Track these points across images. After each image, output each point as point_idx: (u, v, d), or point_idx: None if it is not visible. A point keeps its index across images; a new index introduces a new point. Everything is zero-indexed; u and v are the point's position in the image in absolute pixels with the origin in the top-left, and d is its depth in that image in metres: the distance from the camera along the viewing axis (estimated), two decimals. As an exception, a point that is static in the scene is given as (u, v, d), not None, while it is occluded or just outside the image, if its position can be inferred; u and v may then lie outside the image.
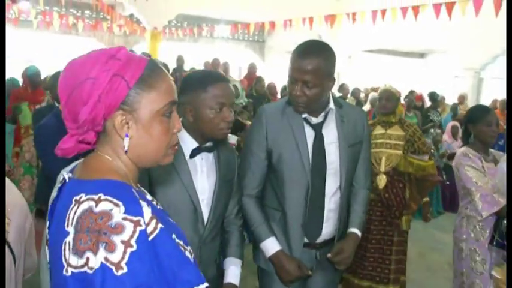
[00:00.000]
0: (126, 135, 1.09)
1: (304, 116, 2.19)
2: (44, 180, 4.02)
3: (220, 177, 2.01)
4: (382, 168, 3.79)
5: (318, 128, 2.21)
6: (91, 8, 12.95)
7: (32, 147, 5.56)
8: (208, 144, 1.98)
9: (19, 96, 5.83)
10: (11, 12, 11.18)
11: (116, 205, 0.98)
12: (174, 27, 14.34)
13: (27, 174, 5.42)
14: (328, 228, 2.27)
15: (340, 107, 2.28)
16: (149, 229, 0.99)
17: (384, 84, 4.09)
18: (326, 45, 2.16)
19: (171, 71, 9.66)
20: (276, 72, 13.33)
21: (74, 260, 0.96)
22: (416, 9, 7.58)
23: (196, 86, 1.87)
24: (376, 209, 3.82)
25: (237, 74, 14.22)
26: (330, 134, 2.23)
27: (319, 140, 2.21)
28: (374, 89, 11.23)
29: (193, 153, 1.94)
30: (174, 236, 1.07)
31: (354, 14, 8.35)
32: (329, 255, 2.22)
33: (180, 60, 9.73)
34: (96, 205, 0.98)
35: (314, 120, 2.20)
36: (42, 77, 6.41)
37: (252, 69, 9.94)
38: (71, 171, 1.17)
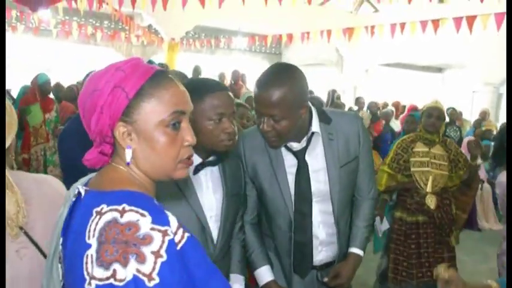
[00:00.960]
0: (128, 147, 1.09)
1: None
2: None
3: (227, 192, 1.90)
4: (430, 189, 3.64)
5: (300, 155, 2.05)
6: (110, 18, 13.06)
7: (40, 156, 5.59)
8: (212, 158, 1.87)
9: (28, 103, 5.84)
10: (31, 21, 11.31)
11: (142, 215, 0.97)
12: (192, 38, 14.40)
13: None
14: (326, 253, 2.17)
15: (329, 122, 2.08)
16: (176, 238, 0.99)
17: (435, 101, 3.88)
18: (290, 72, 1.91)
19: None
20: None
21: (98, 272, 0.94)
22: (436, 23, 7.48)
23: (192, 96, 1.58)
24: (430, 231, 3.68)
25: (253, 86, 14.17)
26: (316, 160, 2.06)
27: (302, 168, 2.05)
28: (387, 105, 11.18)
29: (197, 169, 1.83)
30: None
31: (372, 28, 8.30)
32: (326, 279, 2.15)
33: (196, 71, 9.72)
34: (122, 216, 0.97)
35: (295, 146, 2.04)
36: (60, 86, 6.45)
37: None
38: (86, 184, 1.15)
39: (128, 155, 1.09)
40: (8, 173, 1.42)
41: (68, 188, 1.26)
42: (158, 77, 1.11)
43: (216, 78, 8.91)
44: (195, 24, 13.03)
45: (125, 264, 0.92)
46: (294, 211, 2.08)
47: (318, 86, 11.85)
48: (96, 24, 13.00)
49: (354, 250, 2.20)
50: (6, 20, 10.99)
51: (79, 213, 1.06)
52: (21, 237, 1.39)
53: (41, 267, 1.33)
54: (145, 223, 0.96)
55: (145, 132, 1.09)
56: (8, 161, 1.48)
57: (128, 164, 1.10)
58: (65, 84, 7.40)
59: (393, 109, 10.15)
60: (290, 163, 2.06)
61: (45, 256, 1.40)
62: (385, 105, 11.40)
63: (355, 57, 15.41)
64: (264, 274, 2.15)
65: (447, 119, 9.42)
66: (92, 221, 0.99)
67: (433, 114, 3.71)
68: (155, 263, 0.93)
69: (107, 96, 1.07)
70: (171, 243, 0.96)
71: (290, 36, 10.10)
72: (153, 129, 1.09)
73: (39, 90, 5.90)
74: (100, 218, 0.98)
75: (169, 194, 1.73)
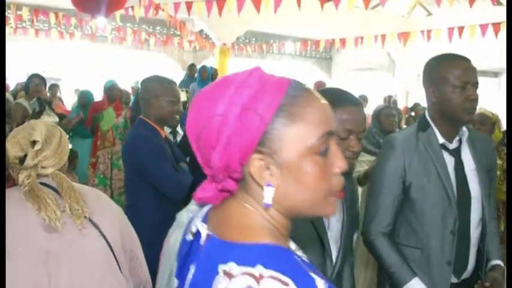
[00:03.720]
0: (268, 185, 0.85)
1: (441, 141, 2.01)
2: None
3: (347, 213, 1.82)
4: None
5: (456, 154, 2.03)
6: (162, 24, 13.32)
7: (107, 159, 5.74)
8: None
9: (98, 109, 6.04)
10: (88, 28, 11.67)
11: (285, 284, 0.75)
12: (242, 43, 14.49)
13: (101, 185, 5.58)
14: (470, 265, 2.06)
15: (468, 130, 2.10)
16: None
17: (479, 108, 3.75)
18: None
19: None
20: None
21: None
22: (497, 27, 7.21)
23: None
24: None
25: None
26: (468, 161, 2.05)
27: (459, 167, 2.02)
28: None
29: None
30: None
31: (429, 32, 8.11)
32: (487, 284, 1.98)
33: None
34: (258, 283, 0.76)
35: (451, 145, 2.03)
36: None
37: (320, 86, 9.84)
38: (204, 220, 0.96)
39: (269, 194, 0.85)
40: (72, 184, 1.69)
41: None
42: (296, 90, 0.88)
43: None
44: (245, 29, 13.11)
45: None
46: (457, 208, 1.98)
47: (370, 91, 11.70)
48: (149, 30, 13.27)
49: (499, 262, 2.10)
50: (65, 28, 11.40)
51: (200, 264, 0.89)
52: (84, 223, 1.61)
53: (99, 245, 1.62)
54: None
55: (289, 165, 0.85)
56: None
57: (268, 206, 0.86)
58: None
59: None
60: (447, 161, 2.03)
61: (105, 238, 1.63)
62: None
63: (407, 62, 15.12)
64: (419, 285, 1.97)
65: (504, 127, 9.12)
66: (219, 284, 0.80)
67: (477, 121, 3.61)
68: None
69: (235, 123, 0.83)
70: None
71: (343, 41, 10.00)
72: (300, 160, 0.85)
73: (106, 96, 6.12)
74: (229, 282, 0.79)
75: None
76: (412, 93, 15.13)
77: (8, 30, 10.94)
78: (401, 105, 12.95)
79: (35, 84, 5.12)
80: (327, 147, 0.87)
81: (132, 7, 7.08)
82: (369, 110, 9.47)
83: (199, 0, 6.80)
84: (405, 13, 15.22)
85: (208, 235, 0.90)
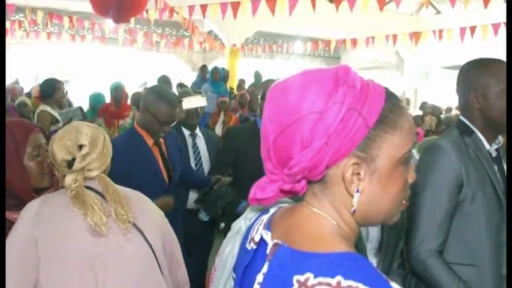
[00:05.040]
0: (357, 191, 0.83)
1: (487, 148, 1.91)
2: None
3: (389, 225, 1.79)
4: None
5: (498, 160, 1.94)
6: (172, 25, 13.38)
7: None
8: None
9: (104, 111, 6.01)
10: (99, 30, 11.74)
11: None
12: (251, 44, 14.53)
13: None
14: None
15: None
16: None
17: None
18: None
19: (247, 87, 9.77)
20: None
21: None
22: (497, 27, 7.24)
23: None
24: None
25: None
26: (507, 168, 1.94)
27: (504, 173, 1.91)
28: (450, 109, 10.89)
29: None
30: None
31: (440, 31, 8.12)
32: None
33: (258, 76, 9.86)
34: None
35: (494, 152, 1.93)
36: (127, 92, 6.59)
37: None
38: (268, 227, 0.93)
39: (357, 200, 0.83)
40: (116, 186, 1.73)
41: None
42: (392, 98, 0.86)
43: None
44: (255, 30, 13.14)
45: None
46: (507, 216, 1.84)
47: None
48: (159, 32, 13.35)
49: None
50: (76, 30, 11.49)
51: (271, 274, 0.84)
52: (129, 228, 1.65)
53: (143, 249, 1.67)
54: None
55: (381, 173, 0.83)
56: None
57: (354, 211, 0.84)
58: (129, 89, 7.56)
59: (458, 113, 9.87)
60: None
61: (148, 242, 1.68)
62: (449, 109, 11.13)
63: (415, 60, 15.11)
64: None
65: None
66: None
67: None
68: None
69: (338, 123, 0.79)
70: None
71: (354, 41, 10.02)
72: (392, 169, 0.84)
73: (111, 97, 6.10)
74: None
75: None
76: (421, 92, 15.13)
77: (20, 33, 11.06)
78: (410, 103, 12.94)
79: (60, 89, 5.16)
80: (409, 158, 0.87)
81: (147, 10, 7.15)
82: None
83: (213, 3, 6.85)
84: (414, 11, 15.19)
85: (276, 244, 0.85)
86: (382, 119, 0.82)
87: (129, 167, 2.60)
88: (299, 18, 11.21)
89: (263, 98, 3.10)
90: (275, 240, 0.86)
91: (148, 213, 1.79)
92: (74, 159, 1.67)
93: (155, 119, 2.71)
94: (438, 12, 14.58)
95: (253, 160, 3.15)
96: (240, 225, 0.99)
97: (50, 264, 1.53)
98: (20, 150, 1.80)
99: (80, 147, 1.69)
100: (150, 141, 2.81)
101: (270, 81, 3.30)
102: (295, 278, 0.77)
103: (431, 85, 15.27)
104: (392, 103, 0.84)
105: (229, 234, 1.02)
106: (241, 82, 10.59)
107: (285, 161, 0.84)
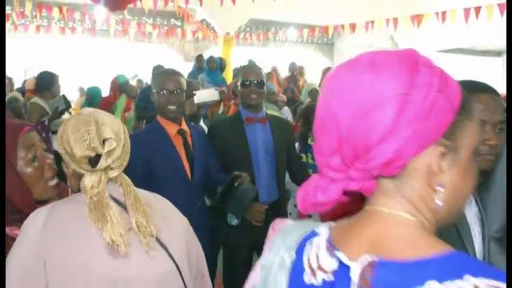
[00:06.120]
0: (440, 184, 0.72)
1: None
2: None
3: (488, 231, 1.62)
4: None
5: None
6: (164, 15, 13.15)
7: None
8: None
9: (109, 103, 5.90)
10: (90, 22, 11.50)
11: None
12: (244, 32, 14.33)
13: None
14: None
15: None
16: None
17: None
18: None
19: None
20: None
21: None
22: (502, 7, 7.14)
23: None
24: None
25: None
26: None
27: None
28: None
29: None
30: None
31: (443, 13, 7.95)
32: None
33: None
34: None
35: None
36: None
37: (328, 73, 9.69)
38: (335, 249, 0.77)
39: (441, 195, 0.73)
40: (137, 191, 1.47)
41: None
42: (461, 84, 0.78)
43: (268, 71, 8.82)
44: (248, 17, 12.95)
45: None
46: None
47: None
48: (150, 22, 13.10)
49: None
50: (66, 22, 11.24)
51: None
52: (151, 243, 1.41)
53: (168, 268, 1.44)
54: None
55: (462, 163, 0.75)
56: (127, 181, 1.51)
57: (438, 208, 0.74)
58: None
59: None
60: None
61: (172, 258, 1.45)
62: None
63: (410, 45, 14.97)
64: None
65: None
66: None
67: None
68: None
69: (424, 105, 0.69)
70: None
71: (353, 26, 9.79)
72: (470, 159, 0.76)
73: (119, 91, 5.98)
74: None
75: None
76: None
77: (8, 27, 10.78)
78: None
79: (59, 85, 4.92)
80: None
81: (141, -1, 6.96)
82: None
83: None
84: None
85: (372, 262, 0.70)
86: (462, 105, 0.74)
87: (146, 162, 2.46)
88: (292, 4, 11.06)
89: (244, 84, 2.95)
90: (368, 258, 0.70)
91: (173, 223, 1.55)
92: (98, 156, 1.38)
93: (156, 93, 2.61)
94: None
95: (239, 153, 3.02)
96: (279, 257, 0.82)
97: None
98: (11, 157, 1.47)
99: (104, 141, 1.40)
100: (173, 130, 2.64)
101: (248, 67, 3.20)
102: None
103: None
104: (463, 89, 0.76)
105: (258, 270, 0.87)
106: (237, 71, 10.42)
107: (360, 153, 0.72)
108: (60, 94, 4.58)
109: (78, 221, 1.35)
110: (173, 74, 2.69)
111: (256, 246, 2.90)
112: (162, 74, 2.75)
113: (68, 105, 4.32)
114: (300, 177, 3.15)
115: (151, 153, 2.51)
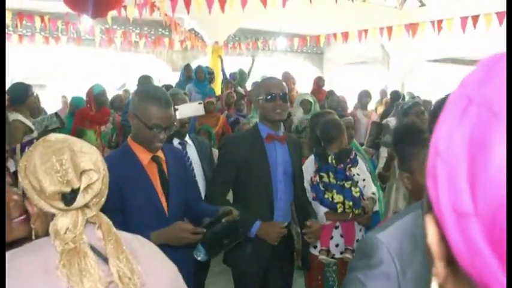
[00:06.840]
0: None
1: None
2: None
3: None
4: None
5: None
6: (151, 24, 12.90)
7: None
8: None
9: (84, 117, 5.53)
10: (74, 31, 11.19)
11: None
12: (232, 41, 14.12)
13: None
14: None
15: None
16: None
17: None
18: None
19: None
20: (335, 85, 12.90)
21: None
22: (501, 16, 6.97)
23: None
24: None
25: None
26: None
27: None
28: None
29: None
30: None
31: (439, 22, 7.75)
32: None
33: (242, 74, 9.67)
34: None
35: None
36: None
37: (319, 82, 9.49)
38: None
39: None
40: (118, 234, 1.23)
41: None
42: None
43: (258, 80, 8.59)
44: (237, 27, 12.76)
45: None
46: None
47: (364, 84, 11.39)
48: (137, 31, 12.83)
49: None
50: (50, 32, 10.93)
51: None
52: None
53: None
54: None
55: None
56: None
57: None
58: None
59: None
60: None
61: None
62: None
63: (401, 54, 14.87)
64: None
65: None
66: None
67: None
68: None
69: None
70: None
71: (346, 35, 9.58)
72: None
73: (95, 101, 5.55)
74: None
75: None
76: (408, 85, 14.89)
77: (-11, 36, 10.44)
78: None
79: (33, 95, 4.35)
80: None
81: (125, 7, 6.65)
82: (371, 105, 9.19)
83: (197, -2, 6.40)
84: (397, 4, 14.96)
85: None
86: None
87: (118, 192, 2.08)
88: (282, 13, 10.88)
89: (268, 98, 2.69)
90: None
91: (159, 271, 1.30)
92: (74, 191, 1.14)
93: (144, 125, 2.19)
94: (422, 4, 14.38)
95: (258, 173, 2.81)
96: None
97: None
98: None
99: (81, 173, 1.16)
100: (145, 158, 2.27)
101: (270, 79, 2.89)
102: None
103: (418, 78, 15.10)
104: None
105: None
106: (228, 82, 10.19)
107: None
108: (53, 111, 4.13)
109: (46, 276, 1.09)
110: (167, 106, 2.25)
111: (267, 270, 2.84)
112: (153, 100, 2.21)
113: (62, 123, 3.91)
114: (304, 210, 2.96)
115: (123, 183, 2.14)
